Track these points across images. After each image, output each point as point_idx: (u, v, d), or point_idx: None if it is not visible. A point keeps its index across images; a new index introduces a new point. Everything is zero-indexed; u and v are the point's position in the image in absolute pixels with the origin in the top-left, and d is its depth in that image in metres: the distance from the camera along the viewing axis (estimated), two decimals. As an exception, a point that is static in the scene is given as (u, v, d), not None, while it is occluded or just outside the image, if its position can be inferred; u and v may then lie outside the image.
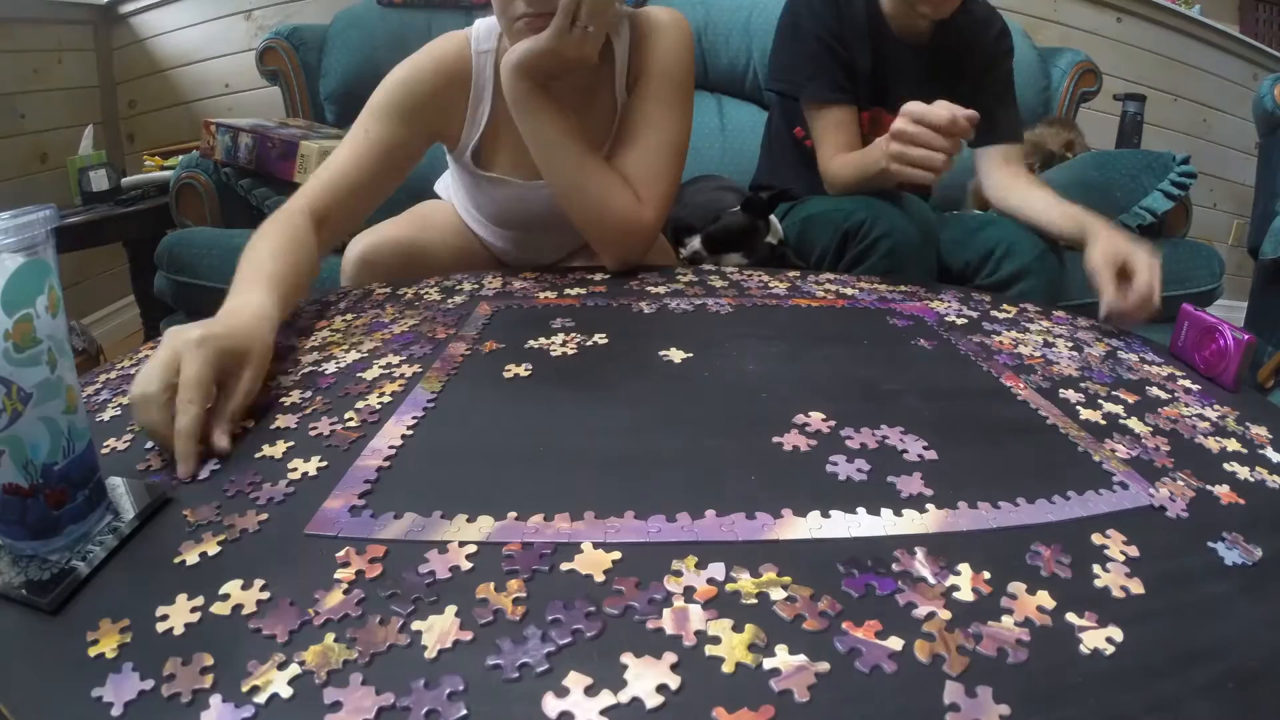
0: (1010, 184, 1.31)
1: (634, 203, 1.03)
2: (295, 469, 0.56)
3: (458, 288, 0.99)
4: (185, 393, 0.58)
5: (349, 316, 0.88)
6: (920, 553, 0.47)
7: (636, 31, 1.07)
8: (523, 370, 0.72)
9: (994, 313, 0.94)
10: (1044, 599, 0.43)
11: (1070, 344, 0.84)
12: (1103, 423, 0.66)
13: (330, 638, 0.40)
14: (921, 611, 0.42)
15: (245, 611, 0.42)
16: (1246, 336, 0.75)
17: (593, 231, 1.05)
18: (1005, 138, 1.34)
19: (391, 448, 0.58)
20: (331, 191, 0.97)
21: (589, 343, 0.79)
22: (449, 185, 1.29)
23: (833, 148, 1.31)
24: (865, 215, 1.17)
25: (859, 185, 1.24)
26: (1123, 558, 0.48)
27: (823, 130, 1.33)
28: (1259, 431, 0.67)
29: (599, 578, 0.44)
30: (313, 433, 0.61)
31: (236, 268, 0.81)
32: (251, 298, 0.75)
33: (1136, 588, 0.45)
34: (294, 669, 0.38)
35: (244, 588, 0.44)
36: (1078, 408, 0.68)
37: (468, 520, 0.49)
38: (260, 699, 0.36)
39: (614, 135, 1.10)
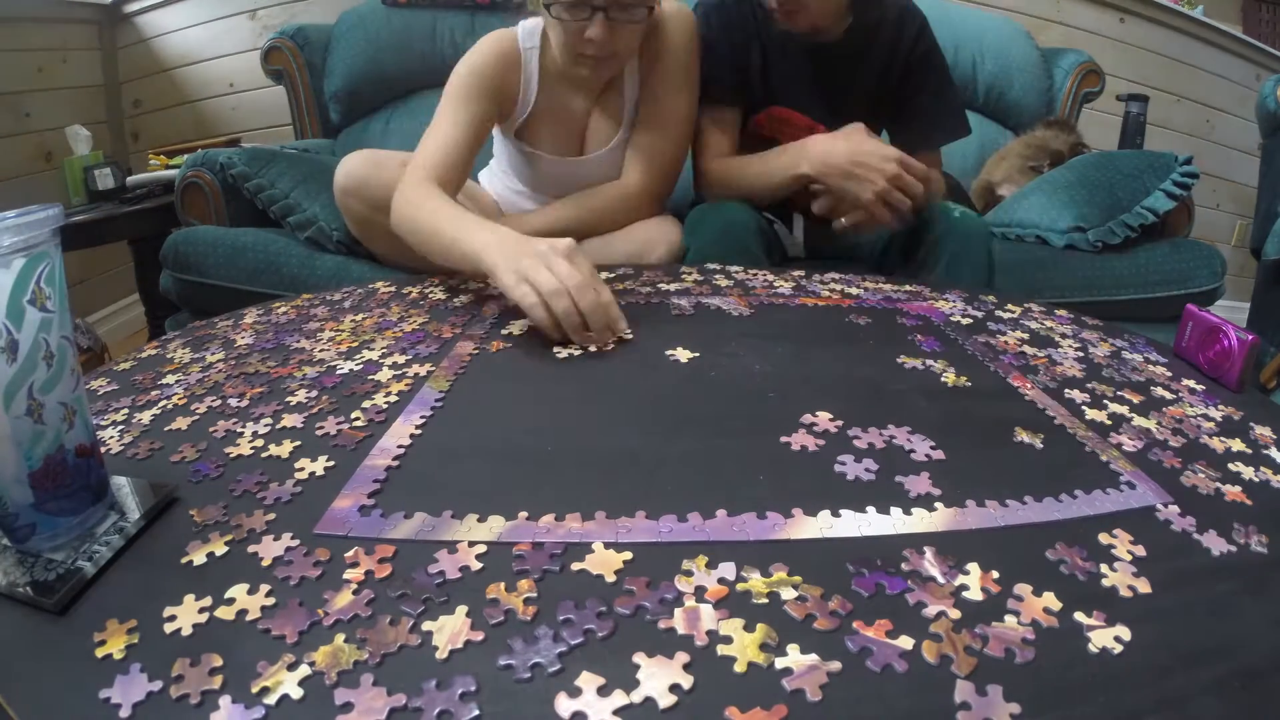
0: None
1: (620, 188, 1.31)
2: (303, 469, 0.56)
3: (463, 286, 0.99)
4: (594, 280, 0.79)
5: (357, 316, 0.88)
6: (929, 552, 0.47)
7: (650, 27, 1.24)
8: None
9: (999, 312, 0.94)
10: (1051, 599, 0.43)
11: (1075, 344, 0.84)
12: (1108, 422, 0.66)
13: (340, 638, 0.40)
14: (931, 611, 0.42)
15: (253, 613, 0.42)
16: (1250, 337, 0.74)
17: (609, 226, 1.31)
18: (950, 137, 1.35)
19: (400, 447, 0.58)
20: (444, 165, 1.10)
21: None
22: (491, 172, 1.51)
23: (714, 149, 1.33)
24: (922, 217, 1.17)
25: (754, 193, 1.25)
26: (1129, 557, 0.48)
27: (706, 131, 1.34)
28: (1263, 432, 0.67)
29: (610, 578, 0.44)
30: (319, 432, 0.61)
31: (430, 228, 0.97)
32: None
33: (1144, 587, 0.45)
34: (304, 670, 0.38)
35: (251, 589, 0.44)
36: (1083, 407, 0.68)
37: (478, 520, 0.49)
38: (270, 700, 0.36)
39: (628, 117, 1.31)
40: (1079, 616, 0.42)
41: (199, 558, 0.46)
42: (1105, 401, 0.70)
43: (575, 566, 0.45)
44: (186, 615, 0.42)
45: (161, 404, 0.68)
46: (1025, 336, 0.86)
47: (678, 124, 1.31)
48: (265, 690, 0.37)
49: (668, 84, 1.28)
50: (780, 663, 0.38)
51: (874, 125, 1.35)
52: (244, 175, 1.58)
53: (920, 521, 0.50)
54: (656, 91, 1.28)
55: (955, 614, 0.42)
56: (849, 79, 1.31)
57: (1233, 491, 0.56)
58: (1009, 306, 0.97)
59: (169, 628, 0.41)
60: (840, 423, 0.62)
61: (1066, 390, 0.72)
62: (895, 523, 0.50)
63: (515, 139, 1.32)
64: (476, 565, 0.45)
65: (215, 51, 2.58)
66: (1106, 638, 0.41)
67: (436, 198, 1.02)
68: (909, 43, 1.30)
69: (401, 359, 0.75)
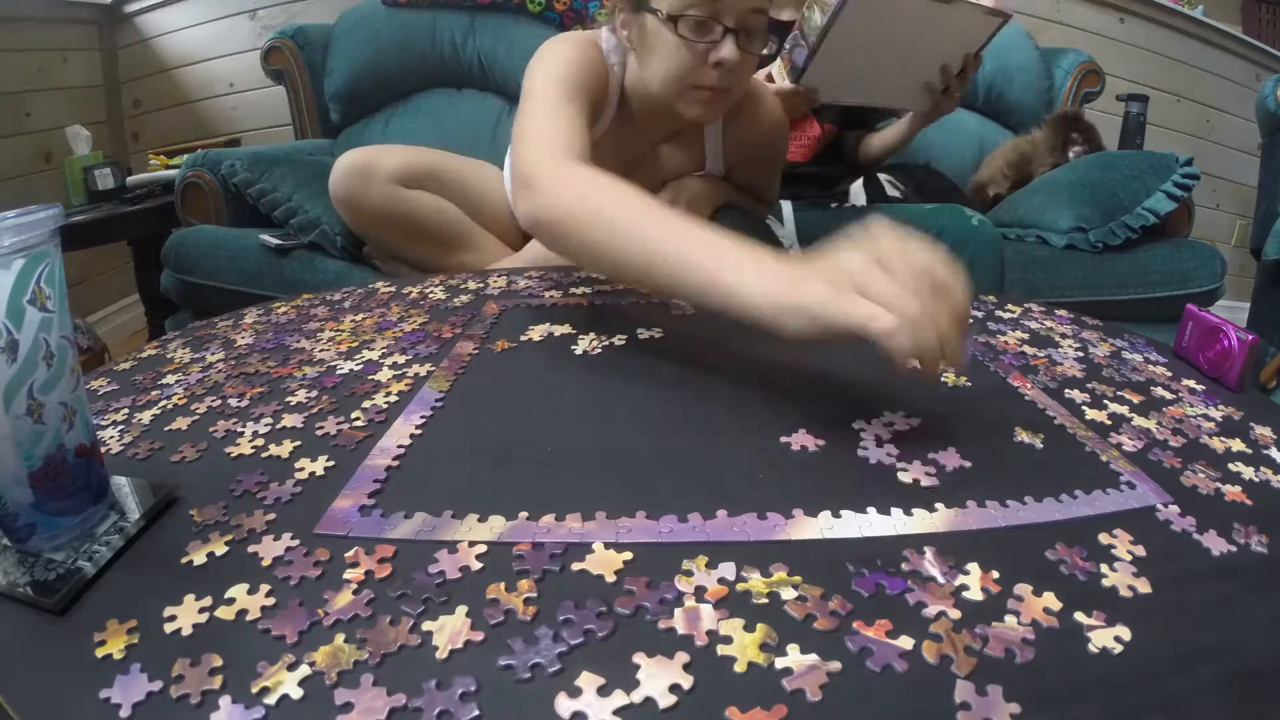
0: None
1: None
2: (303, 469, 0.56)
3: (462, 286, 0.99)
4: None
5: (357, 316, 0.88)
6: (929, 552, 0.47)
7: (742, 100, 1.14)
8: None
9: (999, 312, 0.93)
10: (1051, 599, 0.43)
11: (1075, 344, 0.84)
12: (1108, 422, 0.66)
13: (340, 638, 0.40)
14: (931, 611, 0.42)
15: (253, 613, 0.42)
16: (1250, 337, 0.74)
17: None
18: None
19: (400, 447, 0.58)
20: (580, 149, 0.87)
21: (596, 341, 0.79)
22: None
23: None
24: (940, 223, 1.19)
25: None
26: (1130, 557, 0.48)
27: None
28: (1263, 432, 0.67)
29: (610, 578, 0.44)
30: (319, 432, 0.61)
31: (646, 240, 0.66)
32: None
33: (1144, 587, 0.45)
34: (304, 670, 0.38)
35: (251, 589, 0.44)
36: (1083, 407, 0.68)
37: (478, 520, 0.49)
38: (270, 700, 0.36)
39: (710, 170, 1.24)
40: (1079, 616, 0.42)
41: (199, 558, 0.46)
42: (1105, 401, 0.70)
43: (575, 567, 0.45)
44: (186, 615, 0.42)
45: (161, 404, 0.68)
46: (1025, 336, 0.86)
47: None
48: (265, 690, 0.37)
49: (773, 163, 1.29)
50: (780, 663, 0.38)
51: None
52: (246, 181, 1.58)
53: (920, 522, 0.50)
54: (759, 168, 1.27)
55: (955, 614, 0.42)
56: None
57: (1233, 491, 0.56)
58: (1009, 306, 0.96)
59: (169, 628, 0.41)
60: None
61: (1066, 390, 0.72)
62: (895, 523, 0.50)
63: None
64: (476, 565, 0.45)
65: (215, 51, 2.59)
66: (1106, 638, 0.41)
67: (628, 193, 0.71)
68: None
69: (401, 359, 0.75)
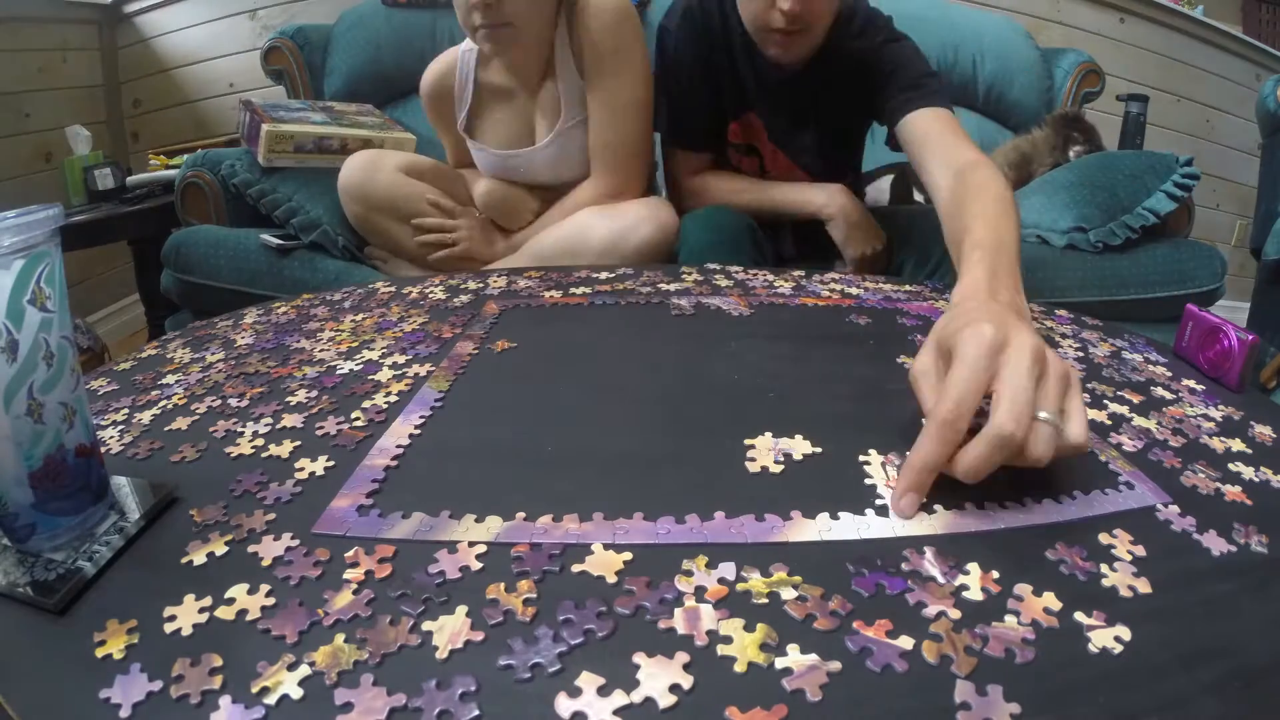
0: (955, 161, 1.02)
1: (584, 192, 1.35)
2: (303, 468, 0.56)
3: (463, 286, 0.99)
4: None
5: (357, 316, 0.88)
6: (929, 552, 0.47)
7: (573, 16, 1.28)
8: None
9: (999, 313, 0.93)
10: (1051, 599, 0.43)
11: (1075, 344, 0.84)
12: (1108, 422, 0.66)
13: (340, 638, 0.40)
14: (931, 611, 0.42)
15: (253, 613, 0.42)
16: (1250, 337, 0.74)
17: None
18: (924, 104, 1.19)
19: (399, 447, 0.58)
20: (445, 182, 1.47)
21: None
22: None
23: (690, 167, 1.40)
24: (936, 222, 1.20)
25: (748, 211, 1.32)
26: (1130, 557, 0.48)
27: (681, 158, 1.41)
28: (1263, 431, 0.67)
29: (610, 579, 0.44)
30: (319, 432, 0.61)
31: None
32: None
33: (1144, 587, 0.45)
34: (304, 670, 0.38)
35: (251, 589, 0.44)
36: (1083, 408, 0.68)
37: (476, 520, 0.49)
38: (270, 700, 0.36)
39: (566, 108, 1.33)
40: (1079, 616, 0.42)
41: (199, 558, 0.46)
42: (1105, 401, 0.70)
43: (575, 568, 0.45)
44: (186, 615, 0.42)
45: (161, 404, 0.68)
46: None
47: (624, 110, 1.31)
48: (265, 690, 0.37)
49: (602, 72, 1.28)
50: (780, 663, 0.38)
51: (855, 121, 1.42)
52: (247, 182, 1.58)
53: (919, 524, 0.50)
54: (594, 84, 1.29)
55: (955, 614, 0.42)
56: (824, 83, 1.31)
57: (1233, 491, 0.56)
58: (1009, 306, 0.96)
59: (169, 628, 0.41)
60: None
61: (1066, 390, 0.72)
62: (894, 525, 0.50)
63: (463, 134, 1.44)
64: (476, 565, 0.45)
65: (215, 51, 2.59)
66: (1106, 638, 0.41)
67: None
68: (871, 44, 1.27)
69: (401, 359, 0.75)
